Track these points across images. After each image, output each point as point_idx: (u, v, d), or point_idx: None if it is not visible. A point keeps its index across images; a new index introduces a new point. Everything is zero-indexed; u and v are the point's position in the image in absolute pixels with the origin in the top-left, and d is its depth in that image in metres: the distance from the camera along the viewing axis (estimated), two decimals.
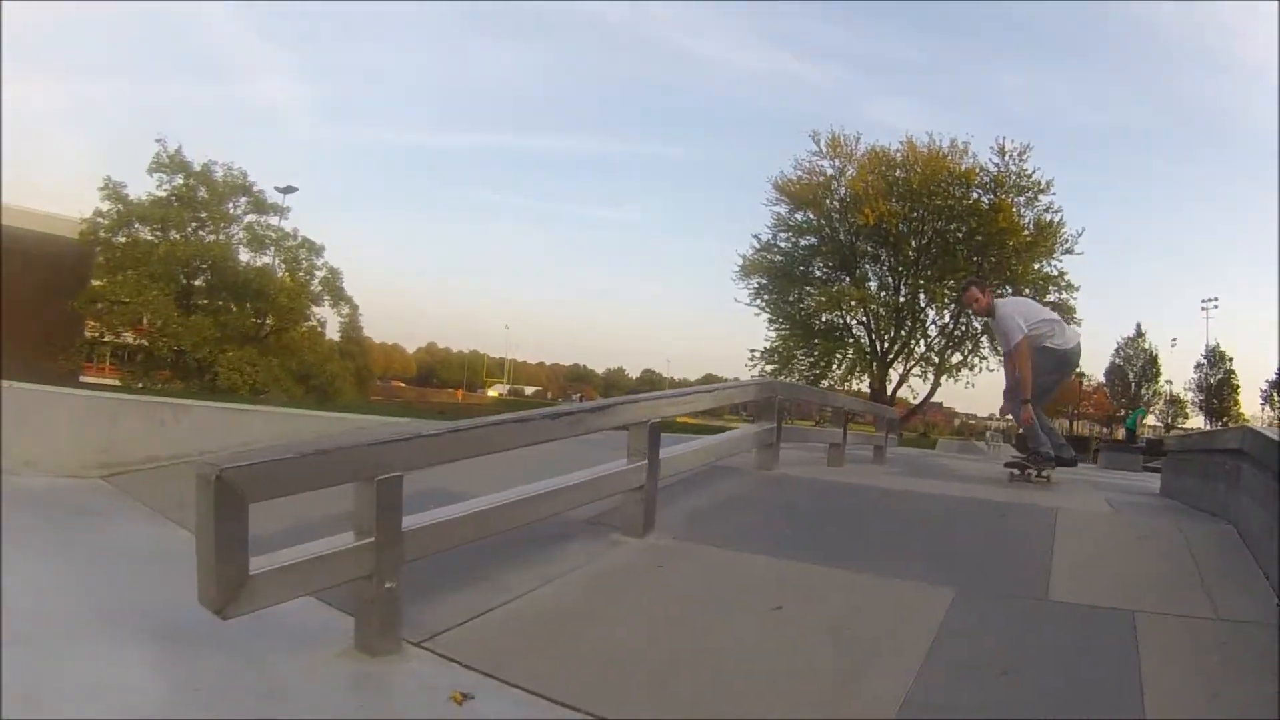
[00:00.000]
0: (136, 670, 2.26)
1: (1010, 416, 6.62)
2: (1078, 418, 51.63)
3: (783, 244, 28.65)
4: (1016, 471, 6.23)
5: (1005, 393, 6.53)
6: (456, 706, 2.19)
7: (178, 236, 23.07)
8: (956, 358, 27.99)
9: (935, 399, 31.04)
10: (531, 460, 3.22)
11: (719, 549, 3.44)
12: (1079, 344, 6.36)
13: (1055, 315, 6.31)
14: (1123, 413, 51.72)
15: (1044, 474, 6.05)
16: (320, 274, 24.94)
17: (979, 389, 43.84)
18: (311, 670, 2.32)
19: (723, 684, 2.29)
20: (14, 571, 3.10)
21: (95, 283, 22.48)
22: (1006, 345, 6.11)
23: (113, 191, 22.66)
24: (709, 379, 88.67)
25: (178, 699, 2.12)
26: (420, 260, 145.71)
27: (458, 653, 2.46)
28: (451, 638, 2.55)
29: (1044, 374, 5.96)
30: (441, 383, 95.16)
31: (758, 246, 28.20)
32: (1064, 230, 25.83)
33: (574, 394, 67.90)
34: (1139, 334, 54.89)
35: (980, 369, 27.81)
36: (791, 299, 27.64)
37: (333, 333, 26.65)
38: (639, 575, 3.12)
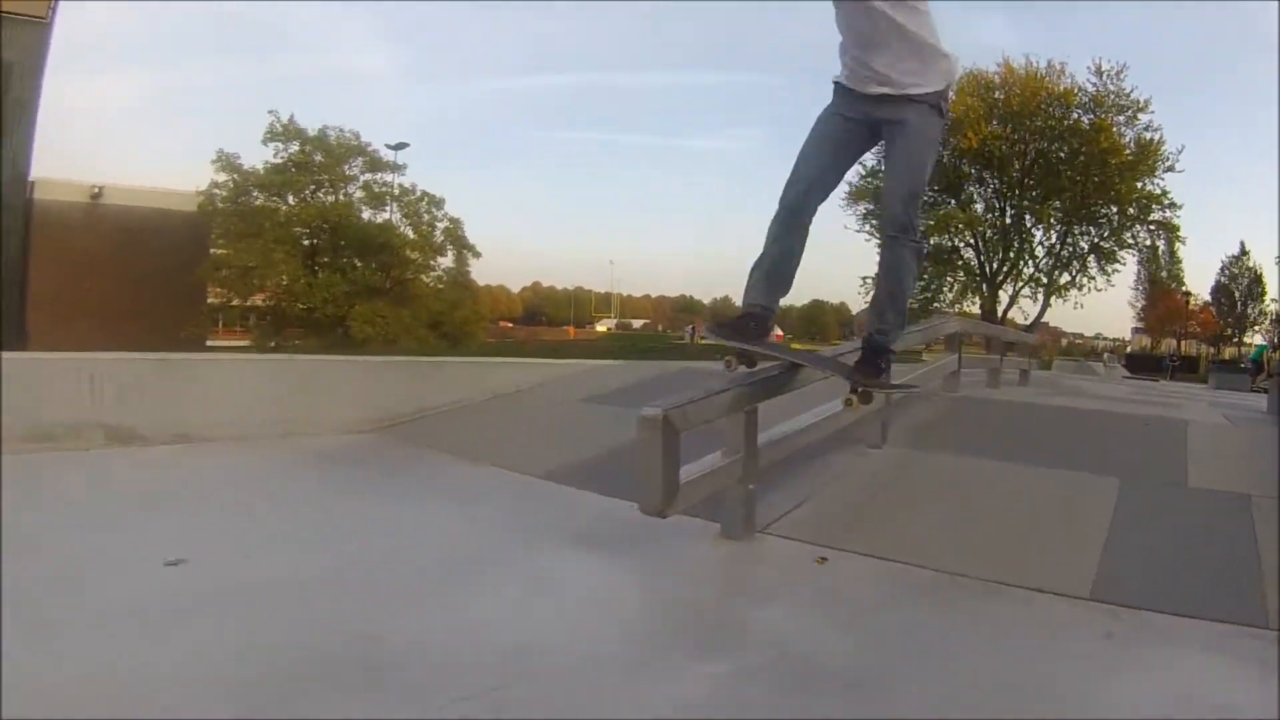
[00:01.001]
0: (597, 560, 3.02)
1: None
2: (1185, 337, 50.46)
3: None
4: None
5: None
6: (819, 566, 2.98)
7: (295, 201, 24.07)
8: (1065, 278, 28.36)
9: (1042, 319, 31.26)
10: None
11: (938, 454, 4.33)
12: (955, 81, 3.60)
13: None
14: (1230, 332, 50.47)
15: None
16: (442, 225, 25.72)
17: (1087, 308, 43.28)
18: (705, 551, 3.14)
19: (983, 545, 3.19)
20: (396, 514, 3.62)
21: (218, 251, 23.52)
22: None
23: (227, 163, 23.58)
24: (816, 305, 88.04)
25: (645, 571, 2.93)
26: (519, 200, 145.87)
27: (794, 534, 3.30)
28: (782, 525, 3.38)
29: None
30: (549, 320, 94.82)
31: (863, 173, 28.00)
32: (1164, 148, 25.63)
33: (685, 326, 67.75)
34: (1243, 252, 52.64)
35: (1089, 289, 28.22)
36: None
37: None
38: (890, 476, 4.01)
